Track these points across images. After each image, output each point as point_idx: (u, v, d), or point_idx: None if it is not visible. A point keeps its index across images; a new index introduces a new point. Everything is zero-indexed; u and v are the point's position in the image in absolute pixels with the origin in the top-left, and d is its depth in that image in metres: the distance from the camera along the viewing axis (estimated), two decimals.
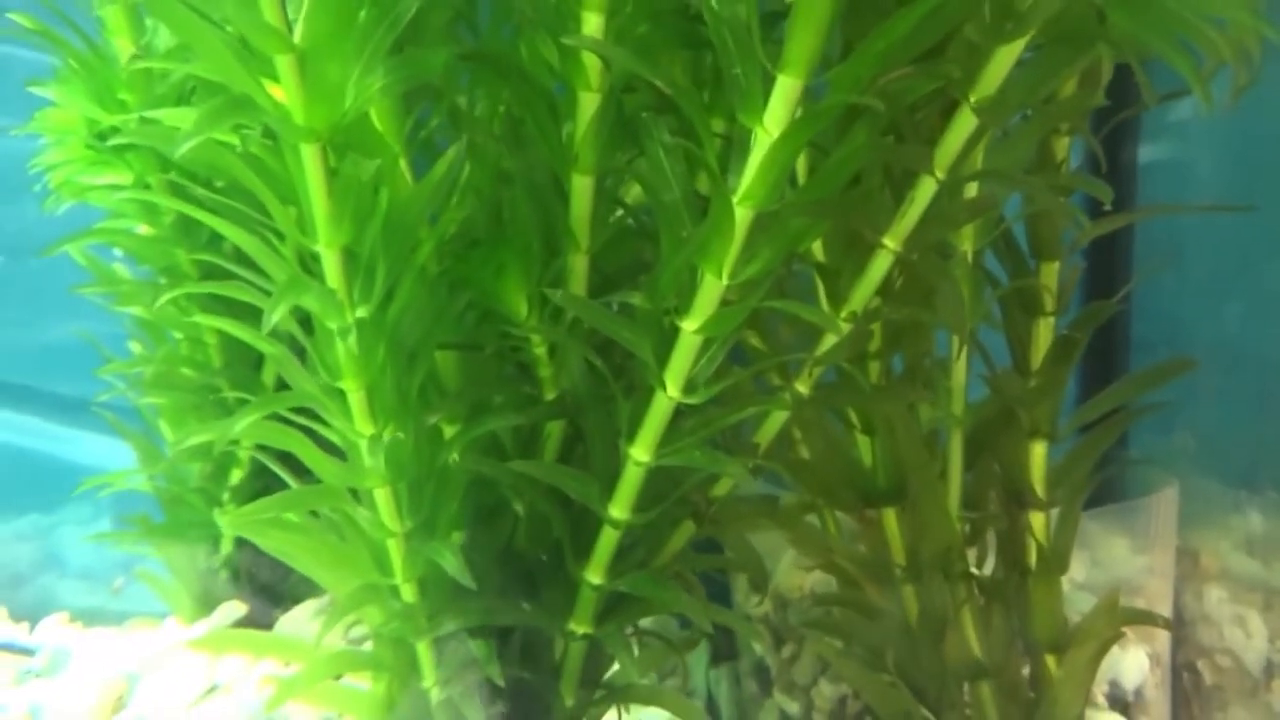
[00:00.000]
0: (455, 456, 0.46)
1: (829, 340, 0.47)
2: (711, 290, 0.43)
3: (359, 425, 0.46)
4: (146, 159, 0.71)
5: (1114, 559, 0.81)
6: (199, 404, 0.77)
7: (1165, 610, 0.77)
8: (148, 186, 0.70)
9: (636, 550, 0.49)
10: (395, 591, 0.47)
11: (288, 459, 0.50)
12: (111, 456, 0.97)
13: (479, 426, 0.46)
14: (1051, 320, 0.60)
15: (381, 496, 0.46)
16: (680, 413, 0.46)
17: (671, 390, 0.44)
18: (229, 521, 0.48)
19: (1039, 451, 0.58)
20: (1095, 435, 0.59)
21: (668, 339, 0.44)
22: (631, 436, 0.45)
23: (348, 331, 0.43)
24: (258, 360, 0.77)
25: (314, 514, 0.52)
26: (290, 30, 0.41)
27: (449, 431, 0.48)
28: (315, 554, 0.48)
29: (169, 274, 0.72)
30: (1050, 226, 0.59)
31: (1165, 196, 0.90)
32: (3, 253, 0.96)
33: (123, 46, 0.68)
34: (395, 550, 0.47)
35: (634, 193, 0.57)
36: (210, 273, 0.72)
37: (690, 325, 0.44)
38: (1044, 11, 0.36)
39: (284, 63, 0.41)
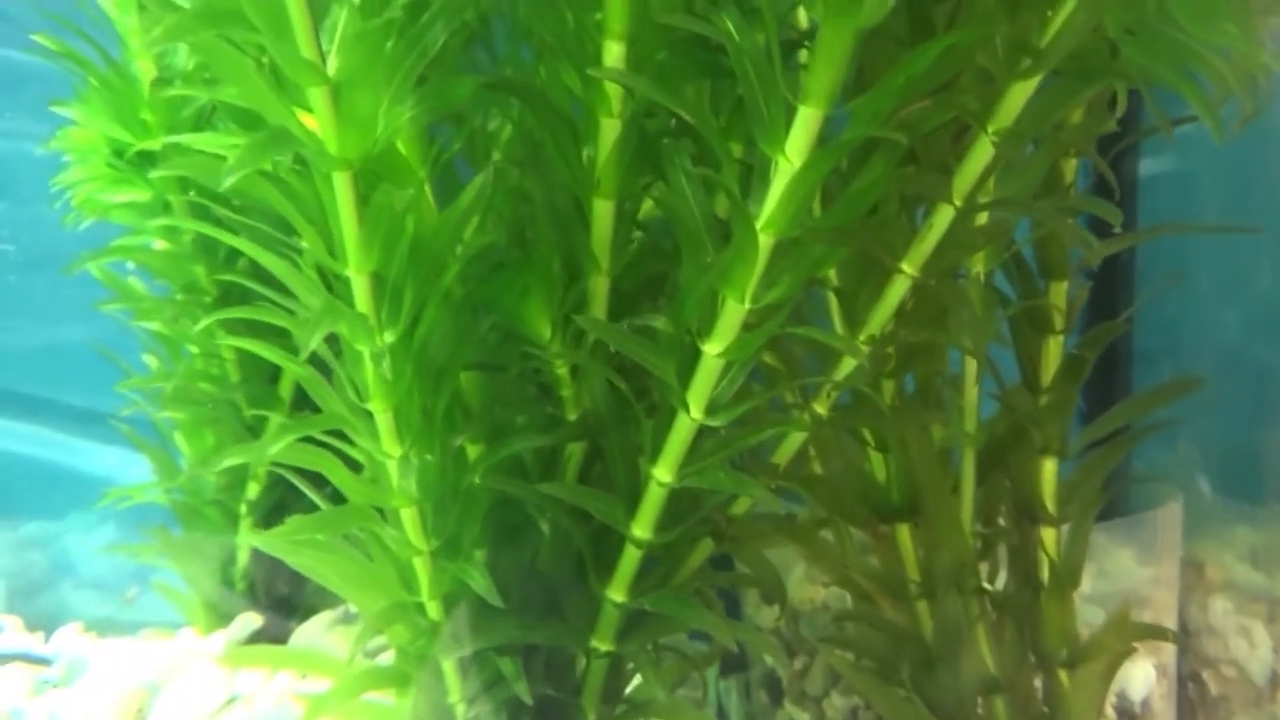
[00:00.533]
0: (479, 478, 0.47)
1: (847, 363, 0.48)
2: (734, 315, 0.44)
3: (386, 446, 0.47)
4: (167, 178, 0.72)
5: (1120, 570, 0.82)
6: (216, 418, 0.78)
7: (1170, 622, 0.78)
8: (168, 205, 0.71)
9: (658, 567, 0.50)
10: (421, 609, 0.48)
11: (307, 472, 0.51)
12: (118, 465, 0.99)
13: (503, 448, 0.47)
14: (1060, 339, 0.61)
15: (408, 516, 0.47)
16: (701, 433, 0.46)
17: (694, 412, 0.45)
18: (260, 541, 0.48)
19: (1050, 468, 0.59)
20: (1104, 452, 0.60)
21: (690, 361, 0.45)
22: (654, 457, 0.46)
23: (380, 355, 0.44)
24: (274, 374, 0.78)
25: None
26: (324, 62, 0.42)
27: (473, 451, 0.49)
28: (342, 571, 0.49)
29: (187, 290, 0.72)
30: (1059, 247, 0.60)
31: (1166, 209, 0.91)
32: (14, 270, 0.97)
33: (144, 67, 0.69)
34: (422, 568, 0.48)
35: (646, 206, 0.58)
36: (228, 290, 0.73)
37: (713, 349, 0.44)
38: (1061, 50, 0.37)
39: (318, 94, 0.42)
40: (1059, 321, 0.60)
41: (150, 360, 0.82)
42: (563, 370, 0.50)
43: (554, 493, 0.46)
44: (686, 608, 0.47)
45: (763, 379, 0.53)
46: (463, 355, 0.48)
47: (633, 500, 0.47)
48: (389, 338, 0.46)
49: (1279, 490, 0.87)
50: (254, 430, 0.78)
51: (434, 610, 0.48)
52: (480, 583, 0.44)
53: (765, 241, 0.43)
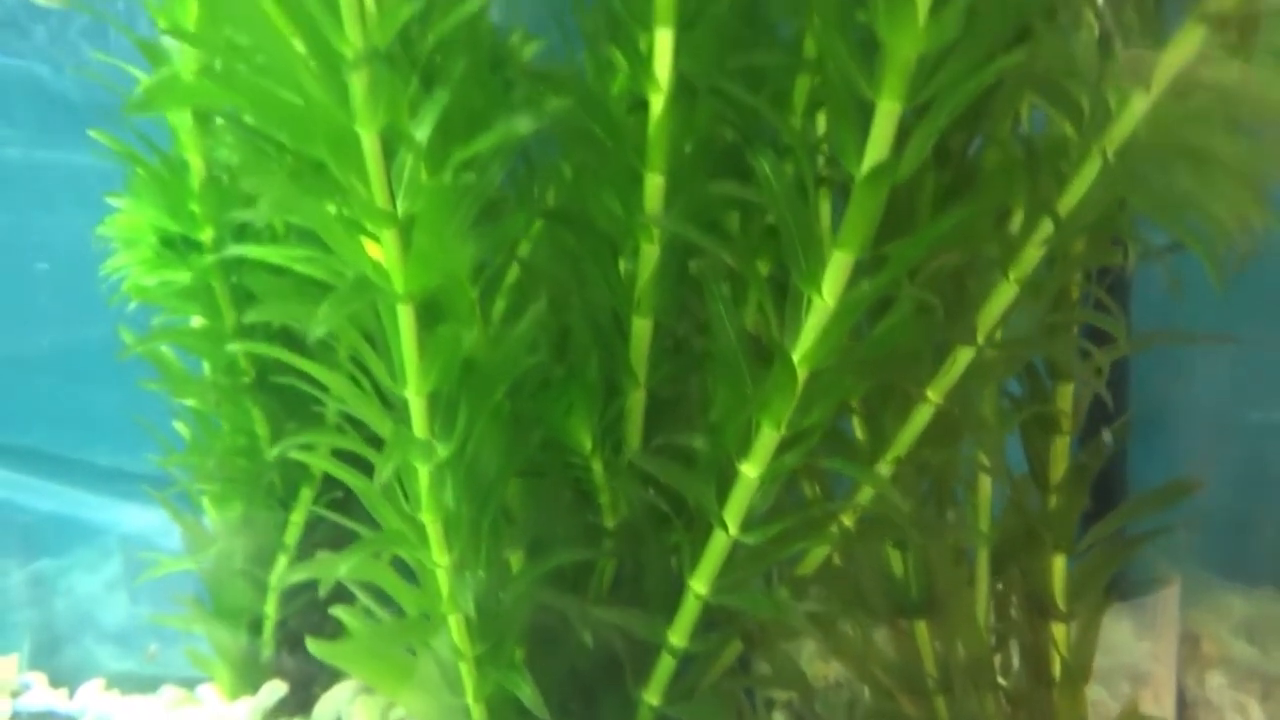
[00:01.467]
0: (522, 587, 0.50)
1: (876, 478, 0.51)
2: (769, 439, 0.47)
3: (435, 555, 0.50)
4: (209, 263, 0.74)
5: (1120, 645, 0.85)
6: (248, 491, 0.81)
7: (1169, 697, 0.81)
8: (210, 289, 0.74)
9: (691, 669, 0.52)
10: (466, 711, 0.50)
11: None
12: (138, 519, 1.01)
13: (545, 561, 0.50)
14: (1067, 439, 0.64)
15: (455, 622, 0.50)
16: (736, 546, 0.49)
17: (731, 529, 0.48)
18: (317, 651, 0.51)
19: (1059, 564, 0.62)
20: (1108, 552, 0.63)
21: (727, 481, 0.48)
22: (691, 569, 0.49)
23: (441, 472, 0.47)
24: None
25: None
26: (394, 204, 0.45)
27: (515, 560, 0.52)
28: (389, 672, 0.51)
29: (227, 372, 0.75)
30: (1065, 352, 0.63)
31: (1160, 292, 0.95)
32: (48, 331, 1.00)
33: (193, 160, 0.71)
34: (467, 672, 0.50)
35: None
36: (263, 369, 0.76)
37: (750, 471, 0.47)
38: (1081, 220, 0.41)
39: (388, 236, 0.45)
40: (1065, 424, 0.63)
41: (181, 428, 0.85)
42: (601, 477, 0.53)
43: (600, 615, 0.49)
44: (720, 712, 0.50)
45: (793, 491, 0.56)
46: (510, 467, 0.51)
47: (669, 609, 0.50)
48: (442, 453, 0.49)
49: (1271, 566, 0.90)
50: (284, 503, 0.80)
51: (478, 713, 0.50)
52: (527, 693, 0.46)
53: (801, 374, 0.46)
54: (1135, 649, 0.85)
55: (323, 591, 0.46)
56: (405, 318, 0.46)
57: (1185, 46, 0.38)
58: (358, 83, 0.42)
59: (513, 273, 0.55)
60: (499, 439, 0.50)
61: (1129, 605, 0.84)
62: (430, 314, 0.47)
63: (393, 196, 0.45)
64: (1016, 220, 0.49)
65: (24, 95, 0.95)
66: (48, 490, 1.07)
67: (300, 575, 0.51)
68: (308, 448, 0.79)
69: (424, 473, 0.48)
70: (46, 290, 0.98)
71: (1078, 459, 0.62)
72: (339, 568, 0.45)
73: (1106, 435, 0.65)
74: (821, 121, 0.54)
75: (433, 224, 0.45)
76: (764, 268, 0.55)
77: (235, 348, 0.67)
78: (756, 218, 0.56)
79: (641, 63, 0.51)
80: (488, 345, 0.48)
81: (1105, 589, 0.63)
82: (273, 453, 0.76)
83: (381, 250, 0.45)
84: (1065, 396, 0.64)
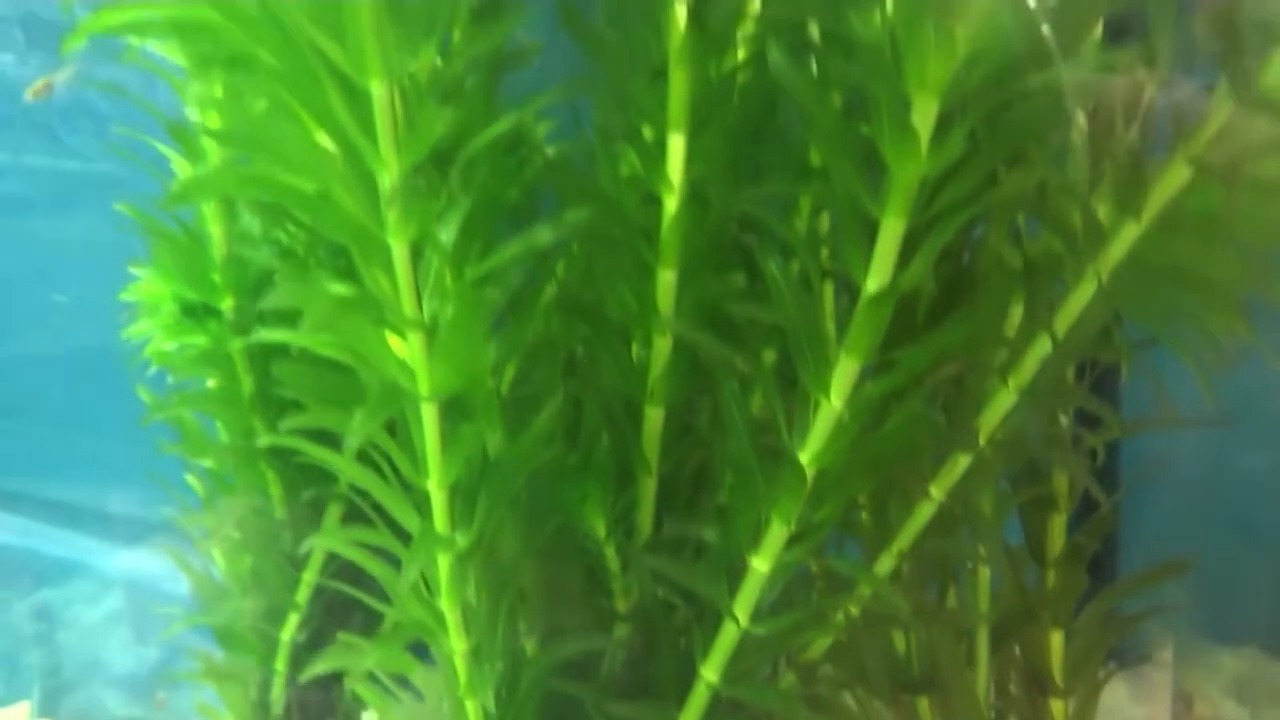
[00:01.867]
0: (537, 673, 0.51)
1: (880, 567, 0.52)
2: (779, 535, 0.49)
3: (454, 641, 0.51)
4: (225, 326, 0.76)
5: (1115, 707, 0.87)
6: (260, 547, 0.82)
7: None
8: (227, 353, 0.76)
9: None
10: None
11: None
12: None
13: (560, 648, 0.52)
14: (1064, 517, 0.66)
15: (471, 706, 0.51)
16: (746, 636, 0.51)
17: (742, 621, 0.50)
18: None
19: (1057, 640, 0.64)
20: (1105, 627, 0.64)
21: (737, 573, 0.50)
22: (703, 657, 0.51)
23: (461, 562, 0.48)
24: (318, 506, 0.82)
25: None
26: (421, 309, 0.47)
27: (530, 644, 0.53)
28: None
29: (244, 437, 0.77)
30: (1063, 454, 0.65)
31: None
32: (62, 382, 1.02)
33: (215, 232, 0.73)
34: None
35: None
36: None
37: (761, 565, 0.49)
38: (1079, 337, 0.43)
39: (415, 339, 0.47)
40: (1062, 503, 0.65)
41: (193, 482, 0.86)
42: (614, 563, 0.55)
43: (614, 713, 0.51)
44: None
45: (799, 569, 0.57)
46: (526, 554, 0.53)
47: (680, 695, 0.51)
48: (461, 542, 0.50)
49: (1259, 626, 0.92)
50: (295, 562, 0.82)
51: None
52: None
53: (810, 474, 0.48)
54: (1131, 712, 0.87)
55: (349, 687, 0.48)
56: (429, 417, 0.48)
57: (1172, 181, 0.40)
58: (389, 197, 0.44)
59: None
60: (516, 527, 0.52)
61: (1125, 671, 0.86)
62: (453, 410, 0.49)
63: (420, 299, 0.47)
64: (1014, 317, 0.51)
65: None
66: (58, 536, 1.09)
67: (322, 668, 0.53)
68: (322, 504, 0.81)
69: (444, 563, 0.50)
70: (63, 343, 1.00)
71: (1075, 539, 0.63)
72: (362, 660, 0.47)
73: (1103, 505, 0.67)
74: (827, 218, 0.56)
75: (458, 328, 0.47)
76: (771, 356, 0.58)
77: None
78: (766, 308, 0.58)
79: (655, 163, 0.53)
80: (507, 438, 0.50)
81: (1102, 661, 0.65)
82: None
83: (407, 349, 0.47)
84: (1061, 477, 0.66)
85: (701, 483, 0.58)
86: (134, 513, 1.04)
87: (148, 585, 1.07)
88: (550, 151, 0.60)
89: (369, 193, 0.46)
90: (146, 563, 1.07)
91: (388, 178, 0.44)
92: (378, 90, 0.42)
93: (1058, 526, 0.66)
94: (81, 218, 0.98)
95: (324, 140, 0.46)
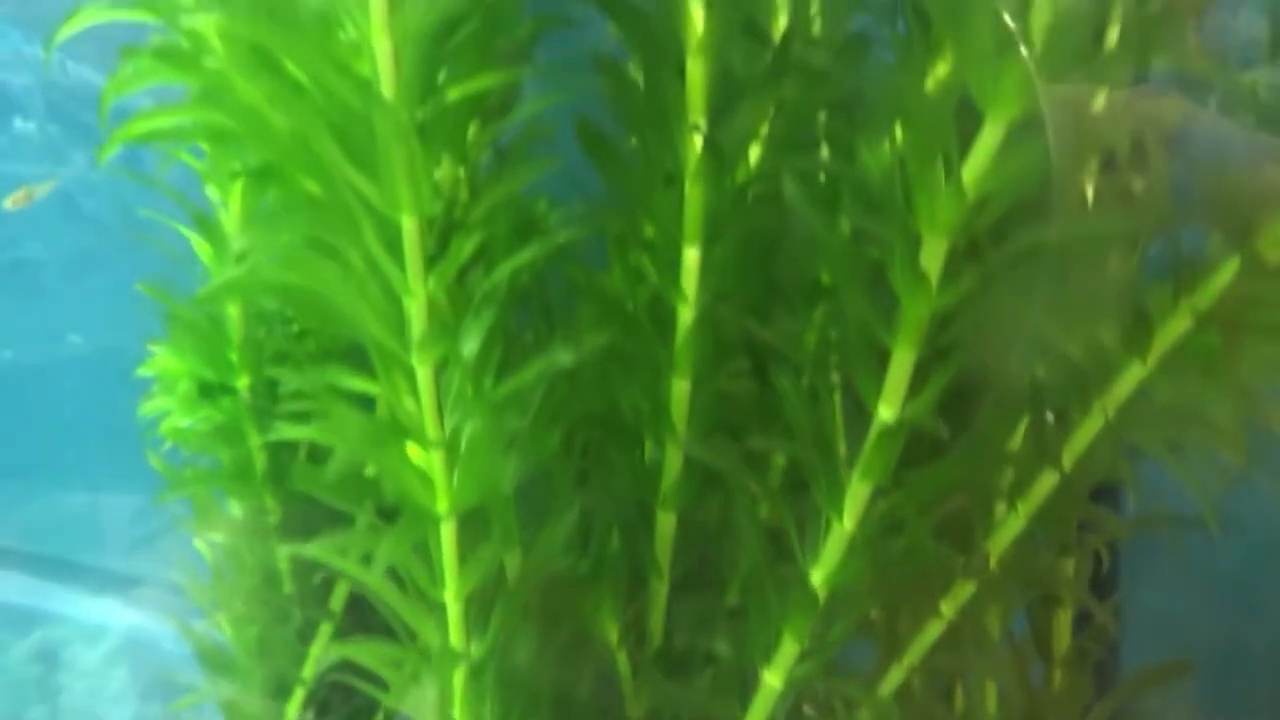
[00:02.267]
0: None
1: (890, 680, 0.53)
2: (792, 651, 0.50)
3: None
4: (238, 399, 0.77)
5: None
6: (267, 618, 0.82)
7: None
8: (240, 430, 0.77)
9: None
10: None
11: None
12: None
13: None
14: (1069, 613, 0.67)
15: None
16: None
17: None
18: None
19: None
20: None
21: (749, 687, 0.51)
22: None
23: (476, 672, 0.49)
24: (328, 586, 0.83)
25: None
26: (443, 424, 0.48)
27: None
28: None
29: (257, 513, 0.77)
30: (1064, 531, 0.66)
31: None
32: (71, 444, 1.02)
33: (233, 313, 0.75)
34: None
35: None
36: (289, 512, 0.78)
37: (773, 680, 0.50)
38: (1086, 475, 0.44)
39: (435, 457, 0.48)
40: (1068, 599, 0.66)
41: (202, 548, 0.87)
42: (626, 670, 0.55)
43: None
44: None
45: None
46: (540, 662, 0.53)
47: None
48: (476, 652, 0.51)
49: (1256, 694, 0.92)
50: (303, 636, 0.82)
51: None
52: None
53: (822, 594, 0.49)
54: None
55: None
56: (447, 534, 0.48)
57: (1175, 329, 0.42)
58: (416, 323, 0.45)
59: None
60: (530, 635, 0.53)
61: None
62: (471, 523, 0.50)
63: (441, 416, 0.48)
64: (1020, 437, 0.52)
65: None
66: (61, 595, 1.09)
67: None
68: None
69: (459, 673, 0.50)
70: (71, 406, 1.01)
71: (1080, 641, 0.64)
72: None
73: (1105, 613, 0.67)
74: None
75: (478, 445, 0.48)
76: (781, 460, 0.58)
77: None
78: (775, 420, 0.59)
79: (670, 276, 0.54)
80: (522, 552, 0.51)
81: None
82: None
83: (426, 462, 0.48)
84: (1066, 569, 0.67)
85: (712, 582, 0.59)
86: (137, 571, 1.04)
87: (150, 645, 1.07)
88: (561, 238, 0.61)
89: (394, 312, 0.47)
90: (149, 622, 1.07)
91: (414, 304, 0.45)
92: (408, 225, 0.43)
93: (1064, 622, 0.67)
94: (96, 281, 0.99)
95: (352, 258, 0.47)
